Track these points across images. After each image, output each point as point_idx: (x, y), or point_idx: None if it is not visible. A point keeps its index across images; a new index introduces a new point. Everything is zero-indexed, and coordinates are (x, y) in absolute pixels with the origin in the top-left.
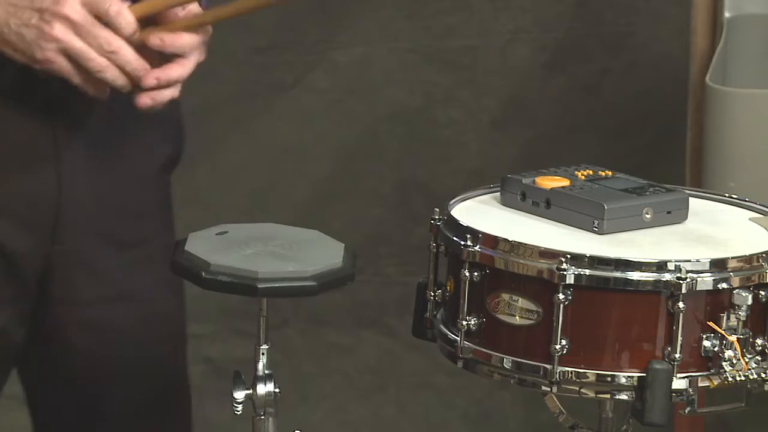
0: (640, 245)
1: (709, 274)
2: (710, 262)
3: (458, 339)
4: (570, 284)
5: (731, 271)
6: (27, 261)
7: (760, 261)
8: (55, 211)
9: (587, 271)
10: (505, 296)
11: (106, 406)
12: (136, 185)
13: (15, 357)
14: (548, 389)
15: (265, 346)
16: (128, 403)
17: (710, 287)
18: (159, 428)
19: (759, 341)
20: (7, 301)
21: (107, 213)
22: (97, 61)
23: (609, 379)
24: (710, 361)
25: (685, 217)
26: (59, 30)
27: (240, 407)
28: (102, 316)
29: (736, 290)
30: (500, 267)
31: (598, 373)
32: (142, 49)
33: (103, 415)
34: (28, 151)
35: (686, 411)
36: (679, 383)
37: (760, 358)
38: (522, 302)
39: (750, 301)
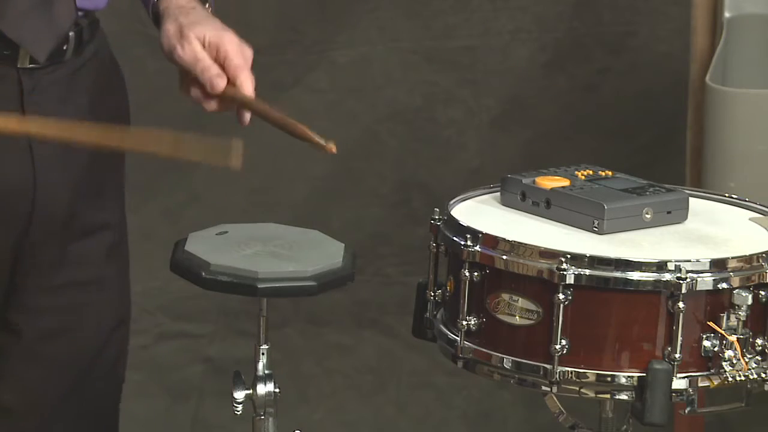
0: (640, 245)
1: (709, 274)
2: (710, 262)
3: (458, 339)
4: (570, 284)
5: (731, 271)
6: (2, 254)
7: (760, 261)
8: (31, 205)
9: (587, 271)
10: (505, 296)
11: (63, 384)
12: (100, 171)
13: None
14: (548, 389)
15: (265, 346)
16: (83, 380)
17: (710, 287)
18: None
19: (759, 341)
20: None
21: (75, 201)
22: None
23: (609, 379)
24: (710, 361)
25: (685, 217)
26: None
27: (240, 407)
28: (66, 302)
29: (736, 290)
30: (500, 267)
31: (598, 373)
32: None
33: (65, 387)
34: (2, 144)
35: (686, 411)
36: (679, 383)
37: (760, 358)
38: (522, 302)
39: (750, 301)
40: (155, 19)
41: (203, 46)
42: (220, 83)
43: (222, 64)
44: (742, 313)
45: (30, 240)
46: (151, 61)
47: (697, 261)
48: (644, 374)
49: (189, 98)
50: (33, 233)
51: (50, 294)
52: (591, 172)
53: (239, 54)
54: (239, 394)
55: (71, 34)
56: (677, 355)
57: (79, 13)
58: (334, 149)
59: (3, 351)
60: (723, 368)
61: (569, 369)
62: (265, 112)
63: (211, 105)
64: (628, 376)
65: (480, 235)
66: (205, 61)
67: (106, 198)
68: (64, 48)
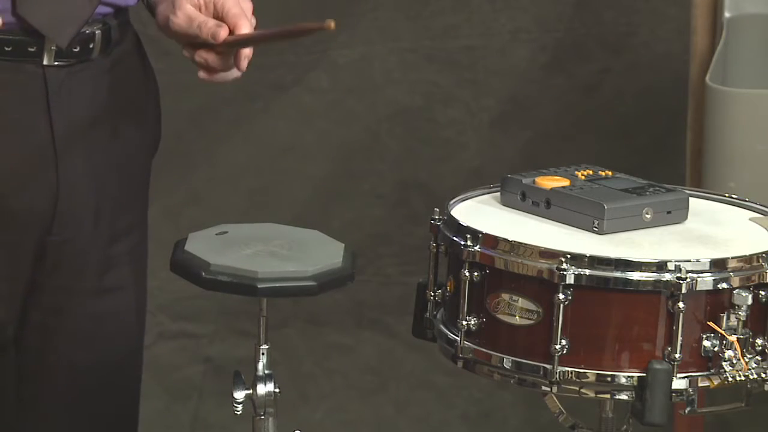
0: (640, 245)
1: (709, 274)
2: (710, 262)
3: (458, 339)
4: (570, 284)
5: (731, 271)
6: (23, 252)
7: (760, 261)
8: (54, 202)
9: (587, 271)
10: (505, 296)
11: (81, 388)
12: (126, 175)
13: (5, 347)
14: (548, 389)
15: (265, 346)
16: (107, 386)
17: (710, 287)
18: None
19: (759, 341)
20: (5, 295)
21: (100, 203)
22: None
23: (609, 379)
24: (710, 361)
25: (685, 217)
26: None
27: (240, 407)
28: (89, 305)
29: (736, 290)
30: (500, 267)
31: (598, 373)
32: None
33: (80, 395)
34: (27, 143)
35: (686, 411)
36: (679, 383)
37: (760, 358)
38: (522, 302)
39: (750, 301)
40: (150, 9)
41: (199, 8)
42: (221, 32)
43: (221, 18)
44: (742, 313)
45: (53, 238)
46: (152, 60)
47: (697, 261)
48: (644, 374)
49: (198, 63)
50: (57, 231)
51: (73, 297)
52: (591, 172)
53: (237, 5)
54: (239, 394)
55: (98, 32)
56: (677, 355)
57: (108, 9)
58: (332, 24)
59: (28, 350)
60: (723, 368)
61: (569, 369)
62: (264, 37)
63: (212, 59)
64: (628, 376)
65: (480, 235)
66: (200, 18)
67: (132, 199)
68: (91, 46)
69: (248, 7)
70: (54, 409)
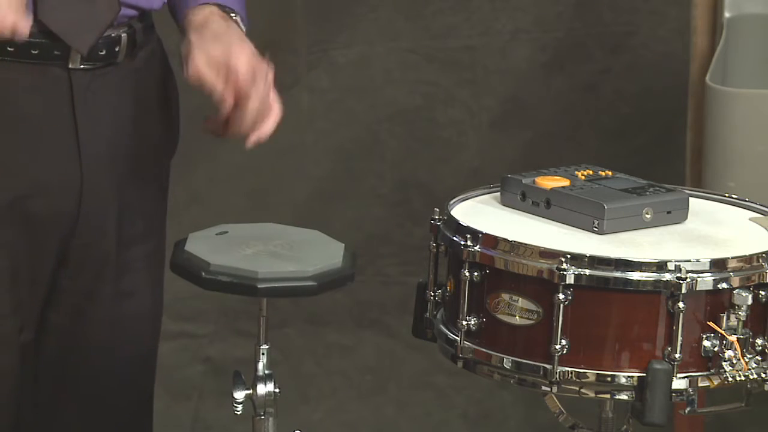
0: (640, 245)
1: (709, 274)
2: (710, 262)
3: (458, 339)
4: (570, 284)
5: (731, 271)
6: (46, 256)
7: (760, 261)
8: (78, 205)
9: (587, 271)
10: (505, 296)
11: (99, 392)
12: (148, 177)
13: (24, 351)
14: (548, 389)
15: (265, 346)
16: (111, 391)
17: (710, 287)
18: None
19: (759, 341)
20: (26, 299)
21: (123, 206)
22: None
23: (609, 379)
24: (710, 361)
25: (685, 217)
26: None
27: (240, 407)
28: (107, 309)
29: (736, 290)
30: (500, 267)
31: (598, 373)
32: None
33: (95, 398)
34: (52, 145)
35: (686, 411)
36: (679, 383)
37: (760, 358)
38: (522, 302)
39: (750, 301)
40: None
41: (209, 65)
42: (224, 107)
43: (233, 82)
44: (742, 313)
45: (77, 241)
46: None
47: (697, 261)
48: (644, 374)
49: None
50: (80, 234)
51: (94, 300)
52: (591, 172)
53: (249, 69)
54: (239, 394)
55: (123, 35)
56: (677, 355)
57: (133, 12)
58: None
59: (46, 353)
60: (723, 368)
61: (569, 369)
62: None
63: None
64: (628, 376)
65: (480, 235)
66: (209, 81)
67: (153, 202)
68: (116, 50)
69: (262, 69)
70: (70, 411)
